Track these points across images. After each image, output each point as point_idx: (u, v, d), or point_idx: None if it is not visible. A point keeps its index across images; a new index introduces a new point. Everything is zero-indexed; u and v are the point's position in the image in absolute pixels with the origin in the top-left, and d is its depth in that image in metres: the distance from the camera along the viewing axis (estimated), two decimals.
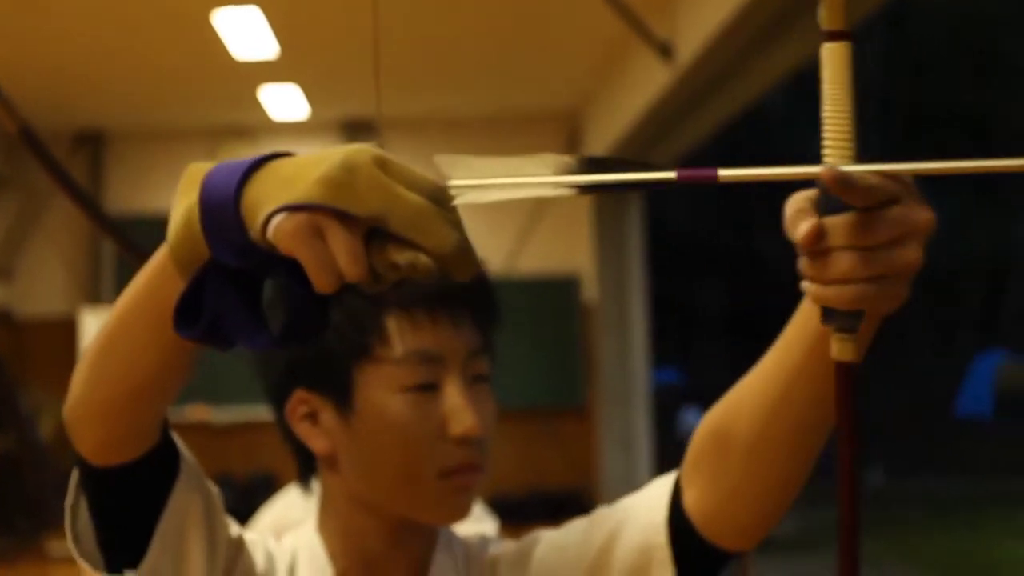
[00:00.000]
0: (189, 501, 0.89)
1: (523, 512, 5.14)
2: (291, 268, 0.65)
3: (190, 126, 6.61)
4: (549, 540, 1.00)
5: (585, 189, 0.64)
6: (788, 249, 0.71)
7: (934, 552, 8.62)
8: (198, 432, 6.51)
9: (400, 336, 0.96)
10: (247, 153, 0.67)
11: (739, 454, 0.87)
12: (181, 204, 0.68)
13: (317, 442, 0.99)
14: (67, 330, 6.14)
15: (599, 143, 6.25)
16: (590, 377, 6.67)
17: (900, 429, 14.46)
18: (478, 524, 1.08)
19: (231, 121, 6.60)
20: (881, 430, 14.42)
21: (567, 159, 0.65)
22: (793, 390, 0.84)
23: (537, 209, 6.59)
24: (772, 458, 0.87)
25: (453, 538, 1.04)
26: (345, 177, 0.62)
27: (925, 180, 0.69)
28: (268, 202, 0.63)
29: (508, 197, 0.65)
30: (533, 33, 5.22)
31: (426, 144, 6.71)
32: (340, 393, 0.97)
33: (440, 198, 0.63)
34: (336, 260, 0.62)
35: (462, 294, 0.98)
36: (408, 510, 0.98)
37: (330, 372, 0.97)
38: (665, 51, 4.50)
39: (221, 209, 0.65)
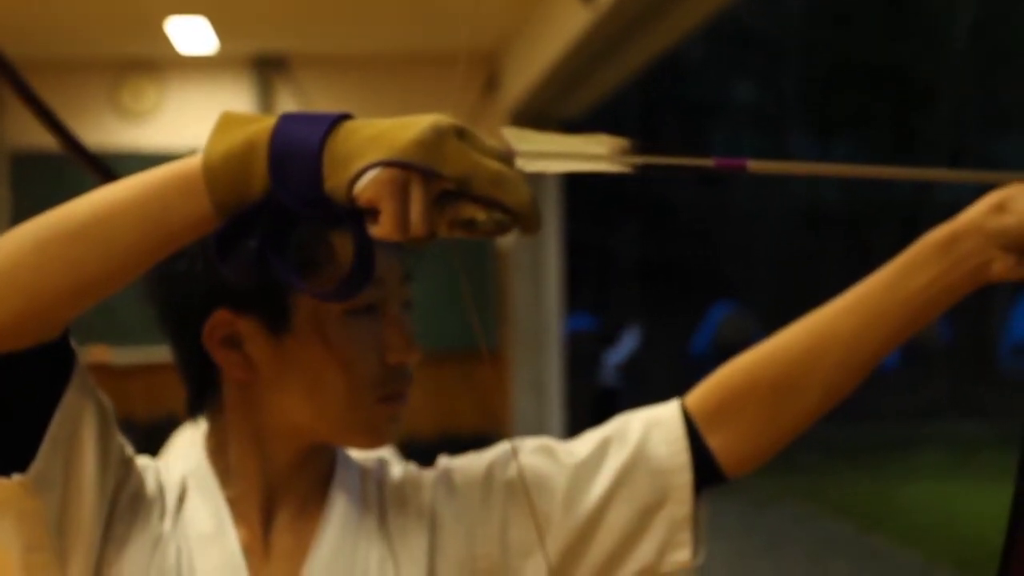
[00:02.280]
0: (83, 405, 0.88)
1: (433, 456, 5.13)
2: (355, 218, 0.72)
3: (92, 58, 6.38)
4: (528, 466, 0.99)
5: (636, 167, 0.75)
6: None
7: (833, 492, 8.86)
8: (98, 373, 6.31)
9: (347, 255, 0.91)
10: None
11: (812, 402, 0.96)
12: (222, 146, 0.74)
13: (236, 366, 0.96)
14: None
15: (517, 85, 6.19)
16: (503, 321, 6.66)
17: None
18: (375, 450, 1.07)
19: (135, 54, 6.38)
20: None
21: (621, 140, 0.75)
22: (896, 330, 0.95)
23: None
24: (838, 400, 0.97)
25: (348, 458, 1.03)
26: (437, 141, 0.70)
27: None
28: (359, 157, 0.70)
29: (569, 169, 0.75)
30: None
31: (338, 83, 6.58)
32: (275, 314, 0.94)
33: (508, 163, 0.72)
34: (410, 215, 0.69)
35: None
36: (338, 434, 0.97)
37: (266, 291, 0.94)
38: None
39: (301, 160, 0.71)
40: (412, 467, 1.05)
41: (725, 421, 0.97)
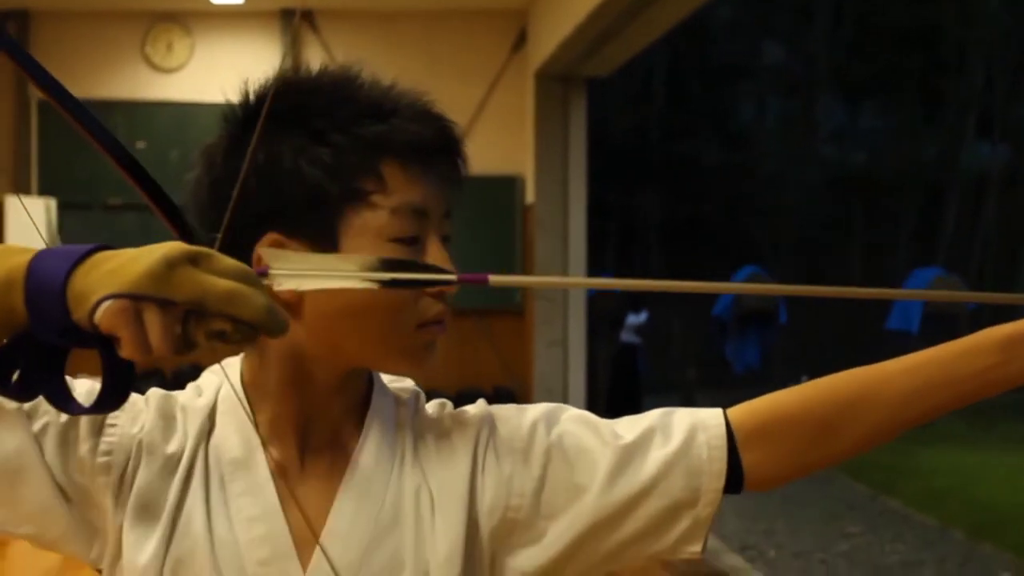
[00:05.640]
0: None
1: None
2: (105, 344, 0.79)
3: (122, 10, 6.40)
4: (563, 438, 1.03)
5: (383, 284, 0.84)
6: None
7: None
8: None
9: (396, 185, 0.97)
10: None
11: (843, 449, 1.04)
12: None
13: (285, 289, 0.98)
14: None
15: (546, 43, 6.17)
16: None
17: (830, 341, 14.74)
18: (400, 381, 1.09)
19: (163, 7, 6.40)
20: (814, 341, 14.69)
21: (371, 259, 0.85)
22: (941, 404, 1.05)
23: (480, 108, 6.51)
24: (861, 452, 1.06)
25: (384, 387, 1.06)
26: (165, 271, 0.76)
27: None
28: (97, 290, 0.77)
29: (320, 287, 0.85)
30: None
31: (365, 37, 6.57)
32: (323, 238, 0.96)
33: (248, 277, 0.78)
34: (148, 338, 0.76)
35: (453, 152, 1.01)
36: (379, 358, 1.00)
37: (317, 215, 0.96)
38: None
39: (49, 296, 0.78)
40: (449, 404, 1.08)
41: (763, 443, 1.04)
